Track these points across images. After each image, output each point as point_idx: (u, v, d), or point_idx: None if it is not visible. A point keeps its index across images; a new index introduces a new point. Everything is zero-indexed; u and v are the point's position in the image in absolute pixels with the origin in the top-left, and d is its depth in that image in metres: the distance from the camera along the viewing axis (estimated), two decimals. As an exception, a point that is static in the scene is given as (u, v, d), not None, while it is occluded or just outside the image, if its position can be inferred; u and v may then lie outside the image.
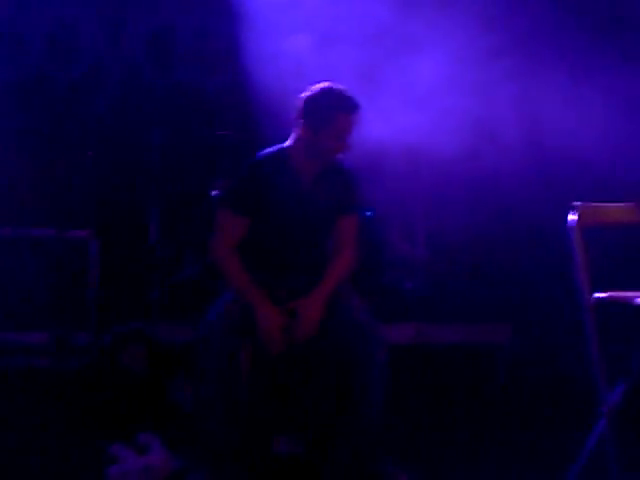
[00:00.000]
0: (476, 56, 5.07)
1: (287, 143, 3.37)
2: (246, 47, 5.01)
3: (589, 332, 2.90)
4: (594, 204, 3.11)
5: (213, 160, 4.88)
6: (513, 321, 4.93)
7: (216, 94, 4.93)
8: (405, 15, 4.94)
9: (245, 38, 5.02)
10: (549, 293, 4.89)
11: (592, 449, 2.95)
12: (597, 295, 2.91)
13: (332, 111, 3.23)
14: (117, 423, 3.87)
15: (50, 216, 4.50)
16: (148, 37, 5.39)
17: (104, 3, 5.33)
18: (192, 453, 3.34)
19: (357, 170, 3.46)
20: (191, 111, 5.17)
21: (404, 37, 4.98)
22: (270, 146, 3.41)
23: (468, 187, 5.43)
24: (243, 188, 3.31)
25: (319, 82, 3.31)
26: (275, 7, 5.00)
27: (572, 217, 2.99)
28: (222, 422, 3.15)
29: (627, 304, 2.92)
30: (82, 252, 4.43)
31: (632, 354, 2.99)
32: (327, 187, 3.37)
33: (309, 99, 3.29)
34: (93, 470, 3.35)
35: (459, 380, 4.62)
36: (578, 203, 3.04)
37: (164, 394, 4.18)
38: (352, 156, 3.40)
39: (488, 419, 4.32)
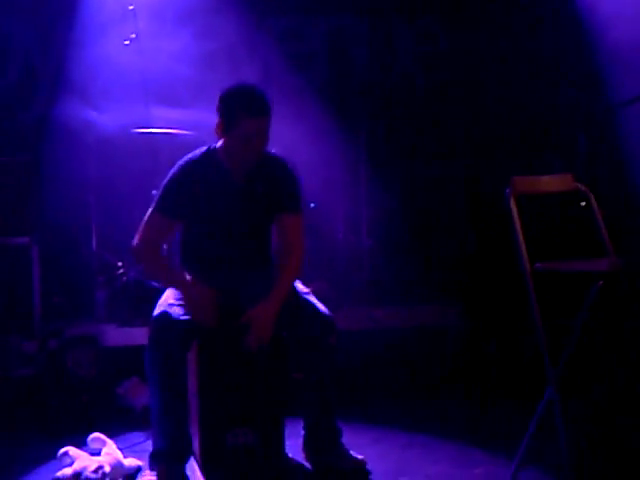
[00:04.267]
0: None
1: (217, 142, 3.30)
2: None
3: (531, 300, 2.92)
4: (528, 176, 3.15)
5: (155, 158, 4.80)
6: (461, 302, 4.97)
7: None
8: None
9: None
10: (495, 271, 4.94)
11: (542, 415, 2.98)
12: (538, 264, 2.93)
13: (237, 114, 3.12)
14: (67, 426, 3.82)
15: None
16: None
17: (37, 11, 5.25)
18: (144, 454, 3.30)
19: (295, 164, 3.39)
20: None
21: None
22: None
23: (408, 170, 5.49)
24: (172, 190, 3.23)
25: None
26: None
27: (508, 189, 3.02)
28: (173, 422, 3.12)
29: (566, 271, 2.96)
30: (23, 259, 4.35)
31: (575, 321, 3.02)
32: (263, 183, 3.30)
33: (221, 98, 3.18)
34: (44, 473, 3.30)
35: (410, 361, 4.65)
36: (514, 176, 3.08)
37: (113, 397, 4.14)
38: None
39: (441, 396, 4.38)
